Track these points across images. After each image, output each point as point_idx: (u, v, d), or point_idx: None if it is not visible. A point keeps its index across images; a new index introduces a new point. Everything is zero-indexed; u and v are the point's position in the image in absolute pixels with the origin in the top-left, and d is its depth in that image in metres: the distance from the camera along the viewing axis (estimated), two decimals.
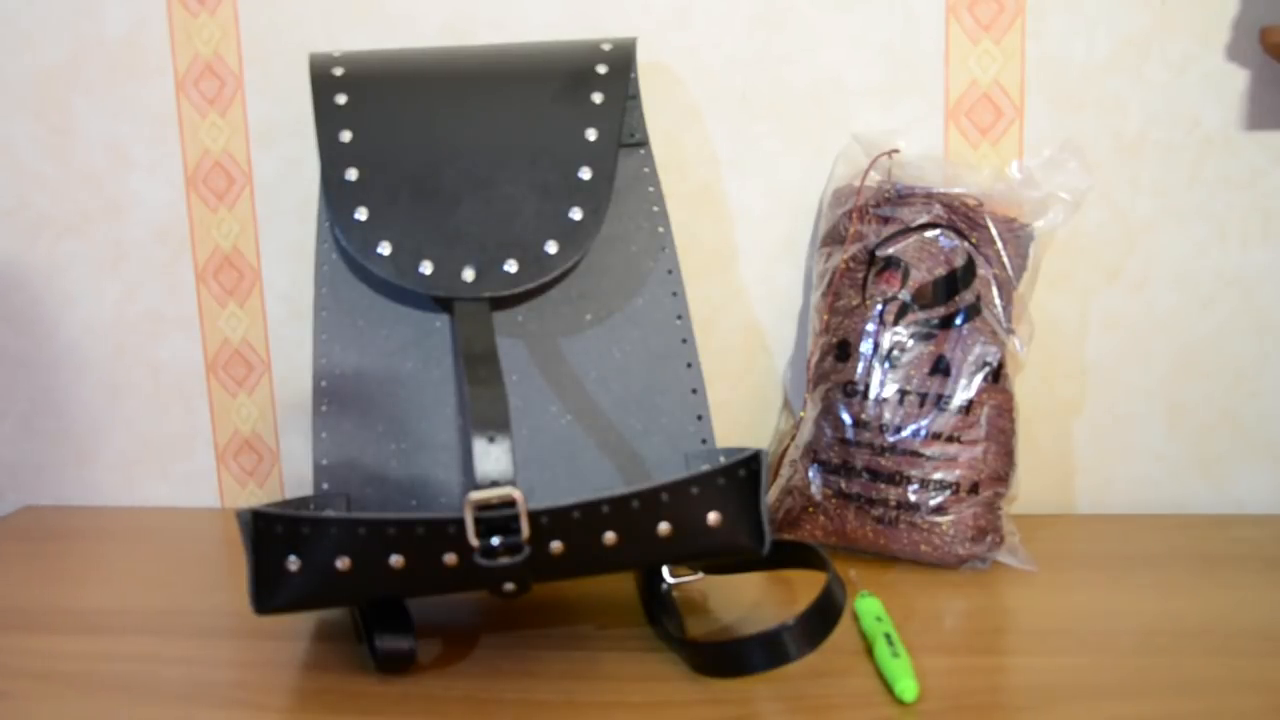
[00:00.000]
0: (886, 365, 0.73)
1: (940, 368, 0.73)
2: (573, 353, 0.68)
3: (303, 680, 0.59)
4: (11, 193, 0.90)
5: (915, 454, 0.72)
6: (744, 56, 0.83)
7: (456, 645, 0.63)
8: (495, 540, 0.53)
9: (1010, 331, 0.73)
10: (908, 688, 0.54)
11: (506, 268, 0.65)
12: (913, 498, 0.72)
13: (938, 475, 0.72)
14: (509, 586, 0.55)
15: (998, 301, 0.73)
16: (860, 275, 0.76)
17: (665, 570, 0.67)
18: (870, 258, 0.76)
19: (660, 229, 0.71)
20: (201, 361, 0.91)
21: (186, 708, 0.56)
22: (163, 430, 0.92)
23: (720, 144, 0.84)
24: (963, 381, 0.72)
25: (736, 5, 0.82)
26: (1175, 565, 0.71)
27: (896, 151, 0.78)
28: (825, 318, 0.77)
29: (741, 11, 0.82)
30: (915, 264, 0.74)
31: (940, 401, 0.72)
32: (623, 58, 0.72)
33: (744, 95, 0.83)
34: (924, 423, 0.72)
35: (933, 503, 0.71)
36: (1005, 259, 0.73)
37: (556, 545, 0.54)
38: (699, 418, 0.67)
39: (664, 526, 0.55)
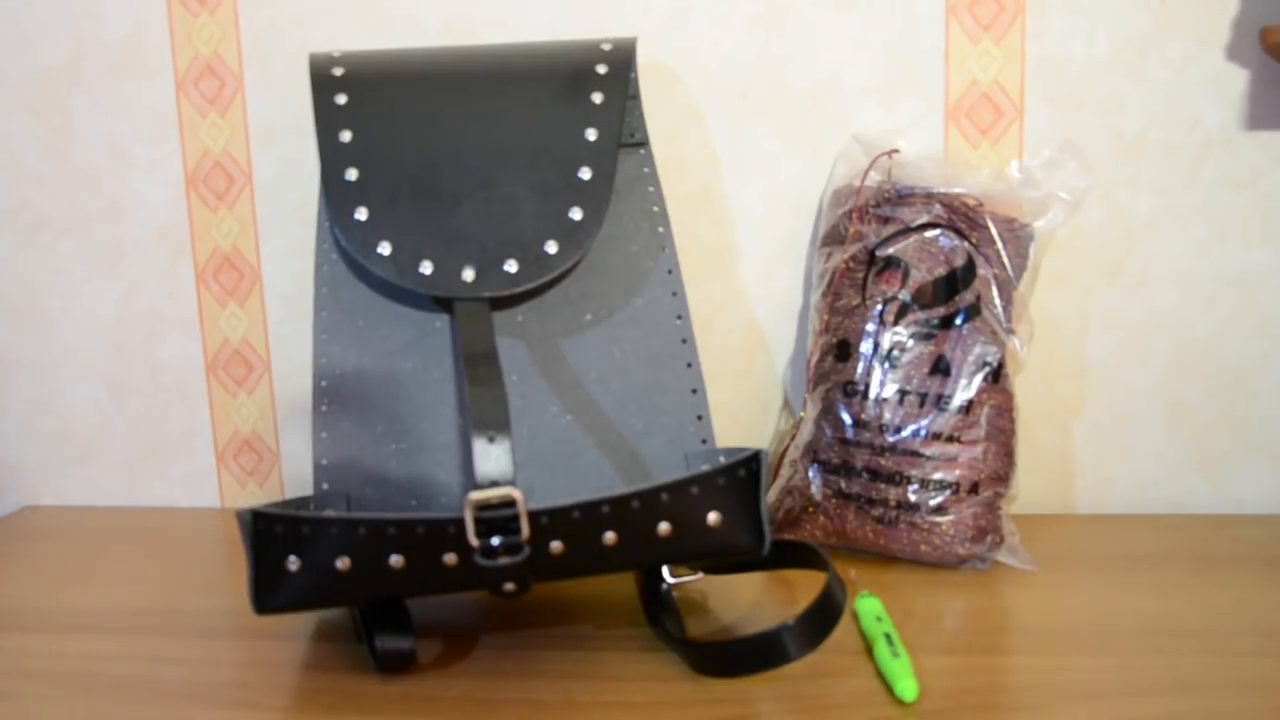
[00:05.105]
0: (886, 365, 0.73)
1: (940, 368, 0.73)
2: (573, 353, 0.68)
3: (303, 680, 0.59)
4: (11, 193, 0.90)
5: (915, 454, 0.72)
6: (744, 56, 0.83)
7: (456, 645, 0.63)
8: (495, 540, 0.53)
9: (1010, 331, 0.73)
10: (908, 688, 0.54)
11: (506, 268, 0.65)
12: (913, 498, 0.72)
13: (938, 475, 0.72)
14: (509, 586, 0.55)
15: (998, 301, 0.73)
16: (860, 275, 0.76)
17: (665, 570, 0.67)
18: (870, 258, 0.76)
19: (660, 229, 0.71)
20: (201, 361, 0.91)
21: (186, 708, 0.57)
22: (163, 430, 0.92)
23: (720, 144, 0.84)
24: (963, 381, 0.72)
25: (736, 5, 0.82)
26: (1175, 565, 0.71)
27: (896, 151, 0.78)
28: (825, 318, 0.77)
29: (741, 11, 0.82)
30: (915, 264, 0.74)
31: (940, 401, 0.72)
32: (623, 58, 0.72)
33: (744, 95, 0.83)
34: (924, 423, 0.72)
35: (933, 503, 0.71)
36: (1005, 259, 0.73)
37: (556, 545, 0.54)
38: (699, 418, 0.67)
39: (664, 526, 0.55)
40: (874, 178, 0.78)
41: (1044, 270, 0.81)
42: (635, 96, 0.74)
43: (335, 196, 0.67)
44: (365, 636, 0.61)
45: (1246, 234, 0.81)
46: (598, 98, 0.70)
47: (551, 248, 0.66)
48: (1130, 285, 0.82)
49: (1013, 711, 0.53)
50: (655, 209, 0.71)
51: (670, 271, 0.70)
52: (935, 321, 0.73)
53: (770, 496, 0.79)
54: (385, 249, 0.65)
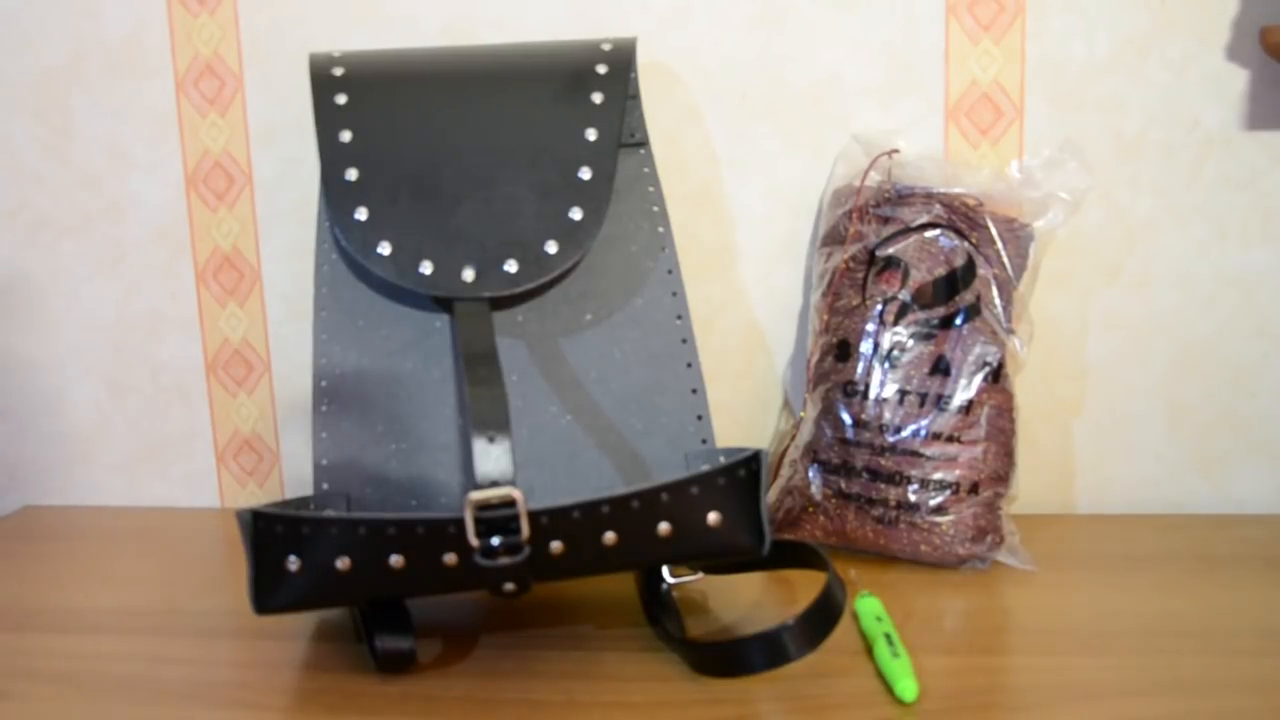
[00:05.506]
0: (886, 365, 0.73)
1: (940, 368, 0.73)
2: (573, 353, 0.68)
3: (303, 680, 0.59)
4: (11, 193, 0.90)
5: (915, 454, 0.72)
6: (744, 56, 0.83)
7: (456, 645, 0.63)
8: (495, 540, 0.53)
9: (1010, 331, 0.73)
10: (908, 688, 0.54)
11: (506, 268, 0.65)
12: (913, 498, 0.72)
13: (938, 475, 0.72)
14: (509, 586, 0.55)
15: (998, 301, 0.73)
16: (860, 275, 0.76)
17: (665, 570, 0.67)
18: (870, 258, 0.76)
19: (660, 229, 0.71)
20: (201, 361, 0.91)
21: (186, 708, 0.57)
22: (163, 430, 0.92)
23: (720, 144, 0.84)
24: (963, 381, 0.72)
25: (736, 5, 0.82)
26: (1175, 565, 0.71)
27: (896, 151, 0.78)
28: (825, 318, 0.77)
29: (741, 11, 0.82)
30: (915, 264, 0.74)
31: (940, 401, 0.72)
32: (623, 58, 0.72)
33: (744, 95, 0.83)
34: (924, 423, 0.72)
35: (933, 503, 0.71)
36: (1005, 259, 0.73)
37: (556, 545, 0.54)
38: (699, 418, 0.67)
39: (664, 526, 0.55)
40: (874, 178, 0.78)
41: (1044, 270, 0.81)
42: (635, 96, 0.74)
43: (335, 196, 0.67)
44: (365, 636, 0.61)
45: (1246, 234, 0.81)
46: (598, 98, 0.70)
47: (551, 248, 0.66)
48: (1130, 285, 0.82)
49: (1013, 711, 0.53)
50: (655, 209, 0.71)
51: (670, 271, 0.70)
52: (935, 321, 0.73)
53: (770, 496, 0.79)
54: (385, 249, 0.65)
